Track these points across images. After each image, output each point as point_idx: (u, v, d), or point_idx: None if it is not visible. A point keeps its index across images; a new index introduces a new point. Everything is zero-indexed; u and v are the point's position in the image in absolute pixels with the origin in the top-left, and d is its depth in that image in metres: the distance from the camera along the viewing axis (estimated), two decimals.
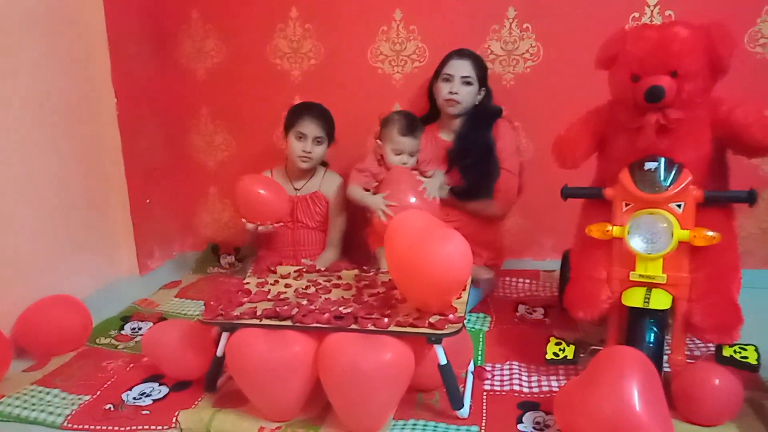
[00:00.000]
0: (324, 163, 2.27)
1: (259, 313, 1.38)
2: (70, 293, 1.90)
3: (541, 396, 1.43)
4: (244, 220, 2.08)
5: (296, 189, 2.22)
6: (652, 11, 2.04)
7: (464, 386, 1.46)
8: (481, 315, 1.96)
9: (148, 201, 2.38)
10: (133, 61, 2.26)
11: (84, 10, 2.04)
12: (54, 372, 1.64)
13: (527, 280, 2.23)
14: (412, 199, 1.83)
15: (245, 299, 1.47)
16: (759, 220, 2.13)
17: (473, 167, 1.98)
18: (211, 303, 1.45)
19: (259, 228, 2.06)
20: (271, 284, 1.60)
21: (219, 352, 1.42)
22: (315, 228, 2.22)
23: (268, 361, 1.29)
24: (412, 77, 2.28)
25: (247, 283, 1.61)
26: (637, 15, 2.06)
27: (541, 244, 2.36)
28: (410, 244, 1.25)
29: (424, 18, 2.22)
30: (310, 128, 2.07)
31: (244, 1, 2.33)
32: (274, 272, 1.70)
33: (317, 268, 1.74)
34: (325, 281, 1.61)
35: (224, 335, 1.40)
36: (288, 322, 1.33)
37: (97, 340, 1.87)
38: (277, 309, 1.37)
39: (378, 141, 1.98)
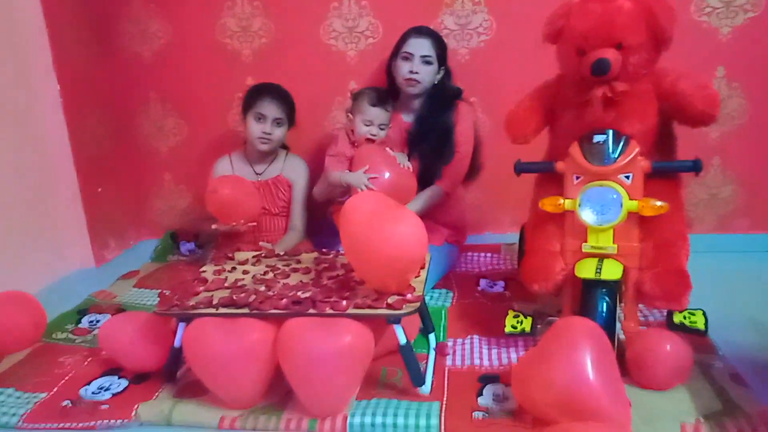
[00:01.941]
0: (285, 147, 2.23)
1: (215, 301, 1.36)
2: (22, 289, 1.83)
3: (500, 368, 1.46)
4: (215, 226, 2.03)
5: (257, 174, 2.18)
6: None
7: (426, 362, 1.48)
8: (444, 291, 1.98)
9: (99, 190, 2.30)
10: (74, 47, 2.17)
11: None
12: (7, 372, 1.59)
13: (488, 255, 2.26)
14: (387, 175, 1.84)
15: (201, 288, 1.45)
16: (708, 186, 2.20)
17: (430, 150, 1.98)
18: (166, 293, 1.42)
19: (233, 227, 2.02)
20: (228, 271, 1.58)
21: (176, 343, 1.40)
22: (277, 214, 2.19)
23: (225, 351, 1.28)
24: (367, 54, 2.25)
25: (204, 271, 1.59)
26: None
27: (500, 218, 2.39)
28: (363, 226, 1.25)
29: None
30: (270, 109, 2.03)
31: None
32: (232, 259, 1.68)
33: (277, 252, 1.73)
34: (284, 266, 1.59)
35: (181, 326, 1.37)
36: (245, 310, 1.32)
37: (54, 335, 1.81)
38: (234, 297, 1.35)
39: (349, 115, 1.97)
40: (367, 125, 1.91)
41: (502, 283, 2.01)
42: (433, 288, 1.99)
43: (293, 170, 2.17)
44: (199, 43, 2.31)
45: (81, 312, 1.98)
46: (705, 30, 2.05)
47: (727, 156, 2.16)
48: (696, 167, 1.34)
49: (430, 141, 1.99)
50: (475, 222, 2.38)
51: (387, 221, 1.23)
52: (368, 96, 1.90)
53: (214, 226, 2.03)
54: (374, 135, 1.92)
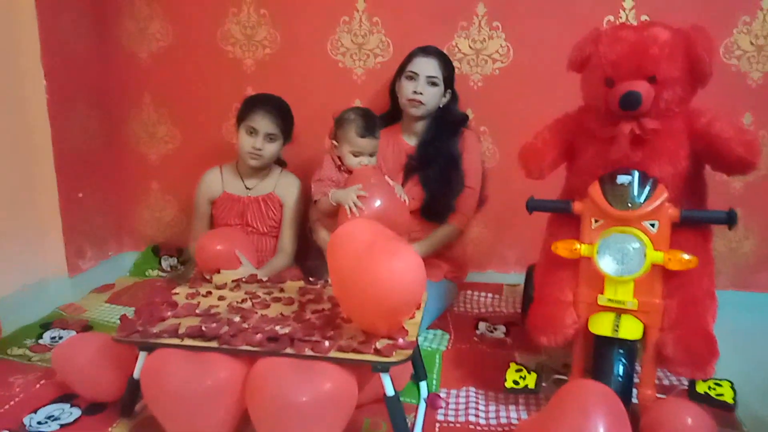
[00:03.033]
0: (281, 163, 2.10)
1: (182, 330, 1.21)
2: None
3: (499, 429, 1.30)
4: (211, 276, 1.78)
5: (247, 188, 2.04)
6: (627, 15, 1.94)
7: (416, 415, 1.32)
8: (439, 332, 1.82)
9: (80, 195, 2.16)
10: (67, 37, 2.04)
11: None
12: None
13: (489, 295, 2.10)
14: (378, 202, 1.65)
15: (169, 313, 1.30)
16: (727, 239, 2.06)
17: (436, 179, 1.84)
18: (128, 316, 1.27)
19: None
20: (202, 296, 1.43)
21: (135, 374, 1.24)
22: (266, 233, 2.04)
23: (187, 388, 1.12)
24: (375, 73, 2.13)
25: (176, 293, 1.43)
26: (612, 18, 1.95)
27: (505, 256, 2.24)
28: (355, 259, 1.10)
29: (389, 10, 2.08)
30: (263, 123, 1.90)
31: None
32: (209, 281, 1.53)
33: (260, 277, 1.58)
34: (264, 294, 1.44)
35: (141, 355, 1.22)
36: (214, 343, 1.16)
37: (9, 351, 1.66)
38: (203, 327, 1.20)
39: (333, 142, 1.82)
40: (356, 156, 1.77)
41: (503, 328, 1.85)
42: (428, 328, 1.83)
43: (286, 188, 2.03)
44: (200, 49, 2.19)
45: (44, 326, 1.82)
46: (734, 74, 1.93)
47: (749, 207, 2.02)
48: (730, 219, 1.20)
49: (436, 168, 1.86)
50: (477, 258, 2.23)
51: (381, 255, 1.08)
52: (355, 126, 1.74)
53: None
54: (366, 164, 1.77)
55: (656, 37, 1.18)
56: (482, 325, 1.87)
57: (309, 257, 2.11)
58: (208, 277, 1.55)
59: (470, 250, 2.19)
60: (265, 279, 1.57)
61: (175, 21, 2.19)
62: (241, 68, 2.19)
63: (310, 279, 1.55)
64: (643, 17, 1.92)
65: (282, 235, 2.04)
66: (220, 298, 1.41)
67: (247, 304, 1.37)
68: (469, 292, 2.12)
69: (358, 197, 1.62)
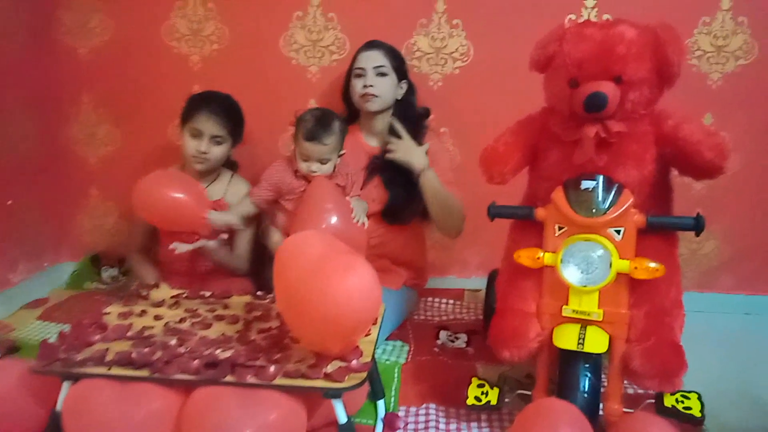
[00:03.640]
0: (232, 165, 1.97)
1: (109, 357, 1.08)
2: None
3: None
4: (175, 245, 1.69)
5: None
6: (589, 13, 1.89)
7: None
8: (399, 343, 1.73)
9: (9, 202, 1.98)
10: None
11: None
12: None
13: (450, 301, 2.03)
14: (330, 221, 1.55)
15: (97, 337, 1.17)
16: (689, 240, 2.04)
17: (399, 179, 1.76)
18: (50, 343, 1.13)
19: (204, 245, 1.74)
20: (136, 315, 1.30)
21: (58, 406, 1.10)
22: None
23: (114, 423, 1.00)
24: (330, 71, 2.02)
25: (107, 313, 1.30)
26: (573, 17, 1.90)
27: (466, 260, 2.17)
28: (303, 274, 1.00)
29: (345, 5, 1.97)
30: (208, 125, 1.76)
31: None
32: (146, 298, 1.40)
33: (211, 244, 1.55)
34: (207, 311, 1.32)
35: (65, 386, 1.09)
36: (145, 372, 1.04)
37: None
38: (134, 354, 1.07)
39: (293, 142, 1.72)
40: (305, 160, 1.66)
41: (464, 337, 1.78)
42: (386, 339, 1.74)
43: (236, 194, 1.90)
44: (143, 44, 2.05)
45: None
46: (694, 74, 1.91)
47: (711, 209, 2.00)
48: (698, 225, 1.15)
49: (398, 167, 1.77)
50: (438, 263, 2.15)
51: (333, 269, 0.98)
52: (304, 128, 1.63)
53: (174, 246, 1.69)
54: (315, 171, 1.66)
55: (622, 36, 1.12)
56: (443, 334, 1.80)
57: (265, 267, 1.99)
58: (144, 293, 1.42)
59: (431, 255, 2.11)
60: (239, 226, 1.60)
61: (117, 14, 2.03)
62: (187, 65, 2.05)
63: (258, 293, 1.44)
64: (606, 16, 1.88)
65: (236, 242, 1.92)
66: (157, 317, 1.29)
67: (186, 324, 1.25)
68: (429, 298, 2.04)
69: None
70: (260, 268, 1.96)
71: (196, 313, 1.31)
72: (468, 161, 2.05)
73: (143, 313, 1.31)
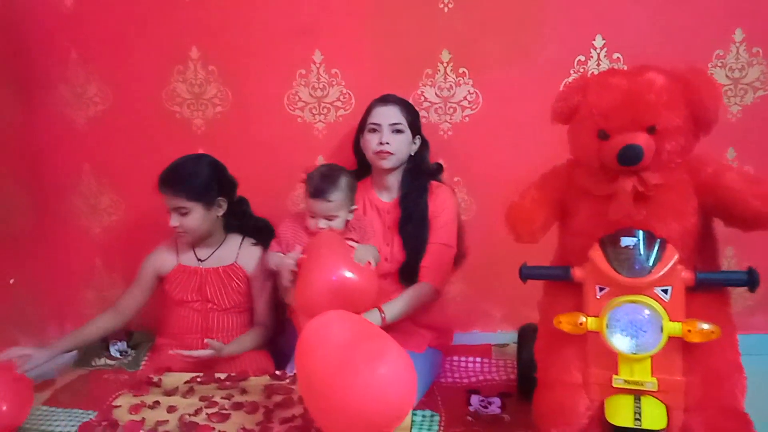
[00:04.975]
0: (242, 229, 1.89)
1: None
2: None
3: None
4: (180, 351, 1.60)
5: (199, 260, 1.83)
6: (598, 54, 1.85)
7: None
8: (428, 413, 1.60)
9: (12, 281, 1.91)
10: None
11: None
12: None
13: (478, 359, 1.91)
14: (337, 272, 1.45)
15: None
16: None
17: (416, 237, 1.69)
18: None
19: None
20: (148, 407, 1.20)
21: None
22: (230, 309, 1.82)
23: None
24: (337, 126, 1.97)
25: (117, 406, 1.20)
26: (582, 58, 1.86)
27: (490, 314, 2.07)
28: (328, 364, 0.91)
29: (348, 60, 1.94)
30: (170, 200, 1.70)
31: (132, 40, 1.97)
32: (158, 385, 1.30)
33: (225, 352, 1.44)
34: (222, 398, 1.22)
35: None
36: None
37: None
38: None
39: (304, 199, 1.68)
40: (312, 216, 1.61)
41: (497, 401, 1.65)
42: (414, 409, 1.63)
43: (248, 257, 1.83)
44: (144, 111, 2.01)
45: None
46: None
47: (742, 246, 1.91)
48: (751, 281, 1.06)
49: (414, 225, 1.71)
50: (460, 318, 2.05)
51: (362, 360, 0.89)
52: (310, 184, 1.60)
53: (176, 352, 1.61)
54: (322, 228, 1.61)
55: (652, 83, 1.06)
56: (474, 399, 1.68)
57: (284, 331, 1.91)
58: (155, 379, 1.32)
59: (451, 309, 2.01)
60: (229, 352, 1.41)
61: (115, 82, 2.00)
62: (190, 129, 2.01)
63: (277, 372, 1.34)
64: (616, 55, 1.83)
65: (256, 308, 1.85)
66: (170, 408, 1.19)
67: (202, 417, 1.15)
68: (455, 357, 1.92)
69: (298, 263, 1.46)
70: (276, 332, 1.88)
71: (212, 402, 1.21)
72: (483, 211, 1.98)
73: (156, 404, 1.21)
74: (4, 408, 1.18)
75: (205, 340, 1.65)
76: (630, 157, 1.05)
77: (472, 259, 1.96)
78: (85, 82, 2.00)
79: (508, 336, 2.00)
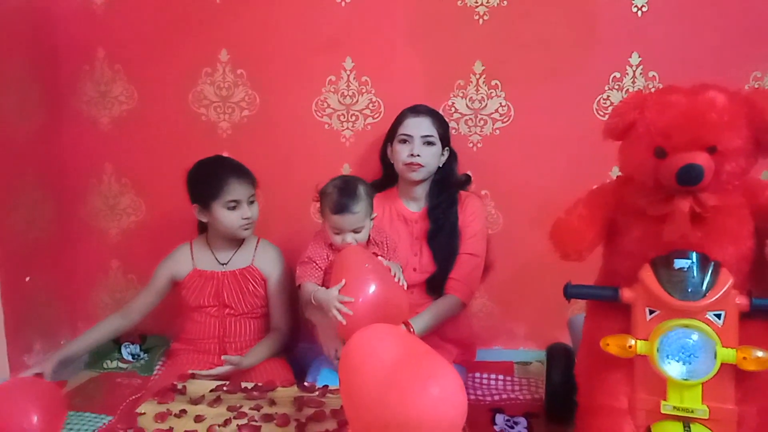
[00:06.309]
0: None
1: None
2: None
3: None
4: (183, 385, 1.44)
5: (221, 263, 1.79)
6: (634, 72, 1.82)
7: None
8: None
9: (27, 279, 1.87)
10: (16, 106, 1.80)
11: None
12: None
13: (500, 377, 1.87)
14: (373, 288, 1.40)
15: None
16: None
17: (446, 248, 1.65)
18: None
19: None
20: (175, 415, 1.16)
21: None
22: (246, 314, 1.77)
23: None
24: (365, 135, 1.94)
25: (142, 413, 1.16)
26: (618, 75, 1.83)
27: (513, 330, 2.03)
28: (377, 386, 0.87)
29: (378, 68, 1.91)
30: (241, 191, 1.69)
31: (161, 40, 1.94)
32: (183, 392, 1.26)
33: (245, 364, 1.42)
34: (251, 409, 1.18)
35: None
36: None
37: None
38: None
39: (319, 215, 1.62)
40: (337, 233, 1.55)
41: (524, 422, 1.62)
42: None
43: (267, 260, 1.79)
44: (169, 112, 1.98)
45: None
46: None
47: None
48: None
49: (444, 236, 1.69)
50: (482, 334, 2.01)
51: (413, 379, 0.85)
52: (329, 201, 1.53)
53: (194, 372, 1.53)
54: (349, 243, 1.54)
55: (713, 102, 1.03)
56: (500, 419, 1.64)
57: (299, 338, 1.86)
58: (179, 386, 1.28)
59: (475, 326, 1.97)
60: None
61: (141, 82, 1.98)
62: (216, 132, 1.98)
63: (305, 384, 1.30)
64: (652, 73, 1.81)
65: (273, 312, 1.81)
66: (198, 418, 1.15)
67: (232, 428, 1.11)
68: (477, 374, 1.88)
69: (343, 302, 1.36)
70: (292, 340, 1.84)
71: (241, 412, 1.17)
72: (511, 225, 1.95)
73: (182, 413, 1.17)
74: (39, 421, 1.13)
75: (222, 357, 1.61)
76: (690, 177, 1.01)
77: (496, 273, 1.93)
78: (110, 81, 1.98)
79: (532, 354, 1.96)
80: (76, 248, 2.06)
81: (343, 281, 1.40)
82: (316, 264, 1.55)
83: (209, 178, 1.70)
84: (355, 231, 1.55)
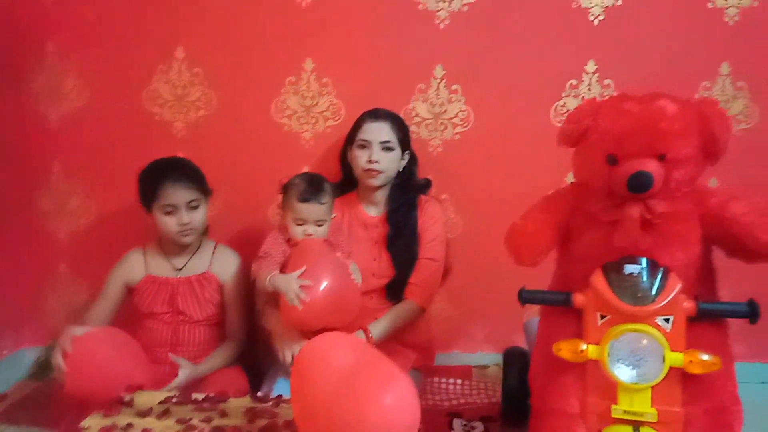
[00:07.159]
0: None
1: None
2: None
3: None
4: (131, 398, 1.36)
5: (176, 269, 1.73)
6: (590, 79, 1.86)
7: None
8: None
9: None
10: None
11: None
12: None
13: (458, 381, 1.88)
14: (325, 283, 1.42)
15: None
16: None
17: (406, 253, 1.65)
18: None
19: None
20: (121, 429, 1.11)
21: None
22: (200, 321, 1.71)
23: None
24: (325, 137, 1.92)
25: (86, 428, 1.11)
26: (574, 82, 1.87)
27: (471, 334, 2.03)
28: (330, 392, 0.85)
29: (340, 70, 1.90)
30: (178, 195, 1.62)
31: (115, 35, 1.88)
32: (129, 405, 1.21)
33: (198, 372, 1.37)
34: (201, 421, 1.14)
35: None
36: None
37: None
38: None
39: (280, 211, 1.60)
40: (299, 224, 1.54)
41: (480, 426, 1.62)
42: None
43: (223, 265, 1.73)
44: (122, 110, 1.91)
45: None
46: None
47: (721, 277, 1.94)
48: (753, 313, 1.06)
49: (404, 241, 1.68)
50: (441, 337, 2.01)
51: (366, 387, 0.84)
52: (297, 190, 1.54)
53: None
54: (311, 234, 1.54)
55: (664, 111, 1.05)
56: (457, 424, 1.64)
57: (255, 347, 1.82)
58: (126, 398, 1.23)
59: (434, 330, 1.97)
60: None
61: (93, 79, 1.91)
62: (170, 132, 1.92)
63: (259, 394, 1.27)
64: (607, 81, 1.85)
65: (228, 319, 1.75)
66: (145, 431, 1.10)
67: None
68: (435, 379, 1.88)
69: (301, 286, 1.38)
70: (248, 348, 1.79)
71: (190, 425, 1.12)
72: (469, 230, 1.96)
73: (129, 427, 1.12)
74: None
75: (171, 357, 1.56)
76: (640, 184, 1.03)
77: (455, 277, 1.94)
78: (61, 76, 1.90)
79: (490, 357, 1.98)
80: (21, 251, 1.96)
81: (304, 267, 1.40)
82: (273, 258, 1.53)
83: (148, 180, 1.64)
84: (318, 224, 1.54)
